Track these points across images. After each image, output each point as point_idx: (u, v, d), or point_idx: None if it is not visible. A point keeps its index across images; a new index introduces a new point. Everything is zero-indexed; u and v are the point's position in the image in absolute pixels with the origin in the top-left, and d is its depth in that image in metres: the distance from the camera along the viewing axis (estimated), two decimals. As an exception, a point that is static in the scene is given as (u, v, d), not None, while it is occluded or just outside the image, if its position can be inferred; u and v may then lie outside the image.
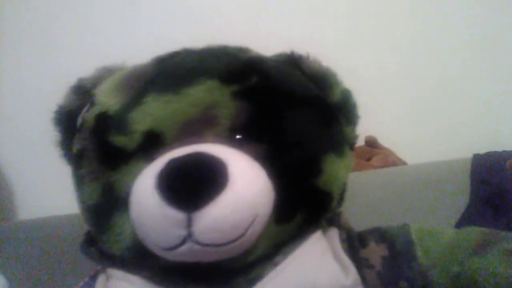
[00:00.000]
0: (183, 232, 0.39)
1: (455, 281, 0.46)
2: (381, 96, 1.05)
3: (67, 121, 0.53)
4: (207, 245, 0.40)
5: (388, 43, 1.11)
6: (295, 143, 0.47)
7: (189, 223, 0.39)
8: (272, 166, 0.45)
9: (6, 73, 1.03)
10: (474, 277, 0.45)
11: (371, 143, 1.00)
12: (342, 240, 0.50)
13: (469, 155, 0.87)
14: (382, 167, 0.95)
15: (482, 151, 0.87)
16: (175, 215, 0.39)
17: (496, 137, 1.05)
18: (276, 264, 0.45)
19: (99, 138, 0.48)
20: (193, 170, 0.40)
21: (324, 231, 0.50)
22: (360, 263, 0.48)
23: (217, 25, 1.04)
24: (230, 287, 0.44)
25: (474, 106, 1.10)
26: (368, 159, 0.98)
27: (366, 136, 0.98)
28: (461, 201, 0.81)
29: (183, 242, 0.40)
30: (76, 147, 0.50)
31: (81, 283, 0.52)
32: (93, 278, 0.51)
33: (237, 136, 0.46)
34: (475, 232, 0.49)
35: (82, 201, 0.49)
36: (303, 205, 0.47)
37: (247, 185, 0.41)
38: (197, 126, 0.45)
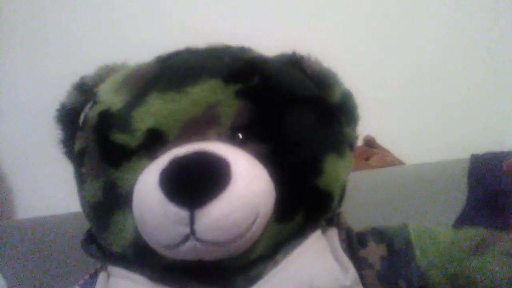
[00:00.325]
0: (185, 230, 0.40)
1: (453, 281, 0.47)
2: (380, 96, 1.05)
3: (70, 119, 0.53)
4: (209, 243, 0.40)
5: (386, 44, 1.11)
6: (296, 143, 0.47)
7: (191, 221, 0.39)
8: (273, 165, 0.45)
9: (3, 73, 1.03)
10: (471, 277, 0.46)
11: (370, 143, 1.00)
12: (342, 240, 0.50)
13: (467, 155, 0.87)
14: (380, 167, 0.96)
15: (480, 151, 0.88)
16: (178, 212, 0.39)
17: (494, 138, 1.06)
18: (276, 263, 0.46)
19: (101, 136, 0.48)
20: (196, 168, 0.40)
21: (324, 231, 0.51)
22: (359, 263, 0.49)
23: (218, 26, 1.03)
24: (231, 285, 0.45)
25: (472, 107, 1.10)
26: (367, 159, 0.99)
27: (364, 136, 0.98)
28: (459, 201, 0.82)
29: (185, 239, 0.40)
30: (78, 145, 0.51)
31: (81, 281, 0.53)
32: (94, 276, 0.52)
33: (239, 135, 0.46)
34: (472, 233, 0.49)
35: (84, 198, 0.49)
36: (303, 204, 0.47)
37: (249, 184, 0.41)
38: (199, 125, 0.46)
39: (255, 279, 0.45)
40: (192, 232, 0.40)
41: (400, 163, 0.99)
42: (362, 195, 0.81)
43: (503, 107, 1.10)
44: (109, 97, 0.49)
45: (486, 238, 0.48)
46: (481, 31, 1.12)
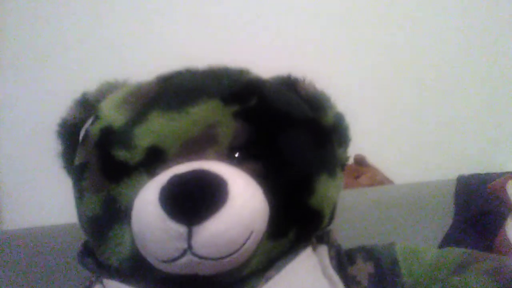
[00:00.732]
0: (183, 245, 0.41)
1: None
2: (371, 117, 1.08)
3: (70, 133, 0.55)
4: (205, 258, 0.42)
5: (377, 64, 1.13)
6: (291, 163, 0.49)
7: (189, 237, 0.41)
8: (268, 184, 0.47)
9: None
10: None
11: (360, 162, 1.02)
12: (331, 257, 0.52)
13: (454, 176, 0.89)
14: (370, 185, 0.98)
15: (467, 172, 0.90)
16: (176, 228, 0.41)
17: (481, 160, 1.08)
18: (268, 278, 0.47)
19: (102, 151, 0.49)
20: (195, 186, 0.42)
21: (314, 248, 0.52)
22: (348, 280, 0.51)
23: (217, 41, 1.06)
24: None
25: (461, 129, 1.13)
26: (357, 177, 1.00)
27: (355, 155, 1.00)
28: (445, 221, 0.84)
29: (182, 254, 0.42)
30: (78, 159, 0.52)
31: (76, 294, 0.53)
32: (88, 288, 0.52)
33: (236, 154, 0.48)
34: (456, 253, 0.51)
35: (82, 212, 0.50)
36: (296, 222, 0.49)
37: (245, 202, 0.43)
38: (198, 144, 0.47)
39: None
40: (189, 247, 0.41)
41: (389, 182, 1.01)
42: (351, 213, 0.82)
43: (491, 130, 1.13)
44: (111, 113, 0.51)
45: (469, 258, 0.49)
46: (470, 52, 1.15)
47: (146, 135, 0.48)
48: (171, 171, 0.44)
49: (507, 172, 0.82)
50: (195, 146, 0.47)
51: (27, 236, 0.80)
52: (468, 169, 0.91)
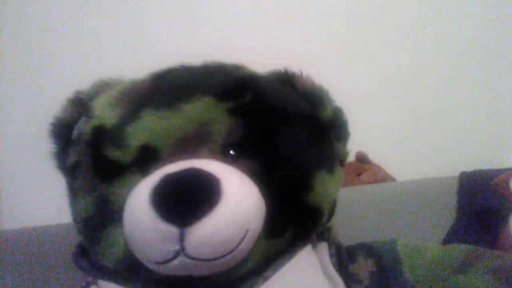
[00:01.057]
0: (175, 247, 0.40)
1: None
2: (372, 113, 1.07)
3: (63, 133, 0.54)
4: (199, 259, 0.41)
5: (379, 60, 1.13)
6: (287, 160, 0.48)
7: (181, 238, 0.40)
8: (264, 182, 0.46)
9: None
10: None
11: (362, 159, 1.01)
12: (331, 255, 0.51)
13: (457, 172, 0.88)
14: (372, 182, 0.97)
15: (470, 169, 0.89)
16: (169, 229, 0.39)
17: (483, 155, 1.07)
18: (266, 278, 0.46)
19: (94, 151, 0.48)
20: (187, 186, 0.40)
21: (314, 245, 0.51)
22: (349, 278, 0.50)
23: (213, 39, 1.05)
24: None
25: (463, 125, 1.12)
26: (358, 174, 0.99)
27: (356, 152, 0.99)
28: (448, 217, 0.83)
29: (175, 256, 0.41)
30: (71, 159, 0.51)
31: (72, 295, 0.53)
32: (84, 289, 0.52)
33: (231, 152, 0.47)
34: (460, 250, 0.50)
35: (76, 212, 0.49)
36: (293, 220, 0.48)
37: (239, 201, 0.42)
38: (192, 142, 0.46)
39: None
40: (182, 249, 0.40)
41: (392, 179, 1.00)
42: (353, 210, 0.81)
43: (493, 126, 1.12)
44: (103, 112, 0.50)
45: (473, 256, 0.48)
46: (472, 52, 1.14)
47: (138, 134, 0.47)
48: (163, 170, 0.43)
49: (510, 168, 0.81)
50: (188, 144, 0.46)
51: (26, 236, 0.80)
52: (471, 165, 0.90)
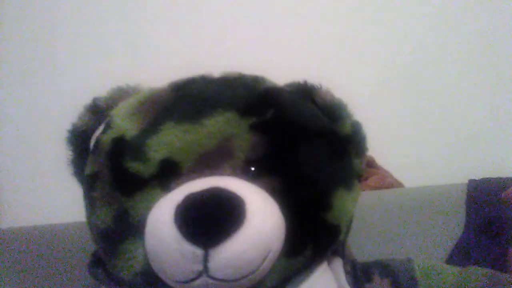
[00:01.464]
0: (198, 267, 0.40)
1: None
2: (380, 117, 1.07)
3: (80, 140, 0.53)
4: (221, 280, 0.41)
5: (387, 66, 1.13)
6: (308, 178, 0.48)
7: (205, 259, 0.40)
8: (284, 199, 0.46)
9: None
10: None
11: (369, 163, 1.01)
12: (347, 272, 0.51)
13: (465, 179, 0.88)
14: (379, 187, 0.96)
15: (478, 174, 0.88)
16: (193, 250, 0.39)
17: (492, 161, 1.07)
18: None
19: (114, 163, 0.48)
20: (211, 206, 0.40)
21: (329, 262, 0.51)
22: None
23: (224, 48, 1.04)
24: None
25: (472, 131, 1.12)
26: (365, 179, 0.99)
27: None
28: (456, 225, 0.82)
29: (197, 276, 0.40)
30: (90, 168, 0.50)
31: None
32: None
33: (252, 169, 0.46)
34: (479, 274, 0.50)
35: (93, 223, 0.49)
36: (312, 239, 0.47)
37: (263, 222, 0.42)
38: (213, 158, 0.46)
39: None
40: (205, 269, 0.40)
41: (399, 184, 0.99)
42: (360, 216, 0.81)
43: (501, 133, 1.12)
44: (123, 123, 0.49)
45: (492, 281, 0.48)
46: (479, 57, 1.14)
47: (160, 148, 0.46)
48: (186, 188, 0.43)
49: (520, 177, 0.81)
50: (210, 160, 0.46)
51: (26, 235, 0.80)
52: (479, 172, 0.90)
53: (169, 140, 0.46)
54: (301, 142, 0.49)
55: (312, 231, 0.47)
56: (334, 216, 0.48)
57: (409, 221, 0.83)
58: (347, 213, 0.50)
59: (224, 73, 0.53)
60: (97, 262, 0.51)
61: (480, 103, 1.13)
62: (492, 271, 0.50)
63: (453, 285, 0.49)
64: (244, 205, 0.41)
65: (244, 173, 0.46)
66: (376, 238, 0.79)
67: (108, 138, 0.49)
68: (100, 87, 0.56)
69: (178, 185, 0.45)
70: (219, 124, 0.47)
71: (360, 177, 0.55)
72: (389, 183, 0.98)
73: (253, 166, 0.46)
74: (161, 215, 0.42)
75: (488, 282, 0.49)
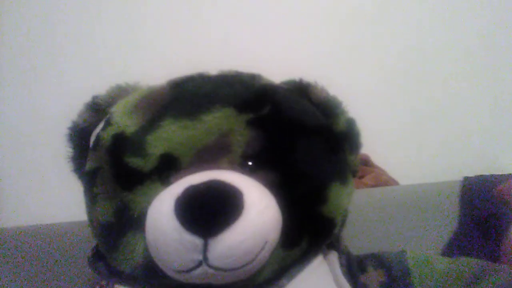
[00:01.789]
0: (198, 257, 0.41)
1: None
2: (375, 115, 1.07)
3: (81, 137, 0.54)
4: (220, 269, 0.42)
5: (382, 63, 1.13)
6: (304, 172, 0.49)
7: (204, 249, 0.41)
8: (281, 193, 0.47)
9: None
10: None
11: (364, 162, 1.02)
12: (342, 265, 0.52)
13: (460, 176, 0.89)
14: (374, 185, 0.97)
15: (473, 172, 0.89)
16: (193, 240, 0.40)
17: (486, 158, 1.09)
18: (281, 287, 0.47)
19: (115, 158, 0.49)
20: (210, 198, 0.41)
21: (325, 255, 0.53)
22: None
23: (224, 48, 1.05)
24: None
25: (466, 129, 1.13)
26: (361, 177, 1.00)
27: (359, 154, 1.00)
28: (450, 222, 0.83)
29: (197, 266, 0.42)
30: (90, 164, 0.51)
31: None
32: (100, 292, 0.52)
33: (249, 163, 0.48)
34: (469, 263, 0.51)
35: (94, 218, 0.50)
36: (308, 231, 0.49)
37: (260, 213, 0.43)
38: (212, 152, 0.47)
39: None
40: (205, 259, 0.41)
41: (394, 182, 1.00)
42: (355, 214, 0.81)
43: (496, 131, 1.13)
44: (123, 119, 0.50)
45: (482, 270, 0.50)
46: (475, 56, 1.15)
47: (159, 143, 0.47)
48: (185, 181, 0.44)
49: (513, 174, 0.82)
50: (208, 155, 0.47)
51: (26, 234, 0.80)
52: (473, 170, 0.90)
53: (169, 135, 0.47)
54: (297, 138, 0.50)
55: (308, 224, 0.49)
56: (329, 210, 0.49)
57: (404, 219, 0.84)
58: (342, 207, 0.51)
59: (221, 71, 0.55)
60: (98, 256, 0.52)
61: (474, 101, 1.13)
62: (483, 261, 0.52)
63: (444, 273, 0.51)
64: (242, 196, 0.42)
65: (241, 167, 0.47)
66: (371, 235, 0.80)
67: (108, 134, 0.51)
68: (99, 86, 0.57)
69: (177, 179, 0.46)
70: (217, 120, 0.48)
71: (354, 173, 0.57)
72: (384, 181, 0.99)
73: (250, 161, 0.48)
74: (162, 206, 0.43)
75: (478, 270, 0.50)
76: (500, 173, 0.88)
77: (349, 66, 1.12)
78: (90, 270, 0.54)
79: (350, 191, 0.53)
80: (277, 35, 1.11)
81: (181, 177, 0.46)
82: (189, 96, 0.50)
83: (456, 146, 1.12)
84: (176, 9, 1.08)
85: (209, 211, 0.41)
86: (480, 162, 1.05)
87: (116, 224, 0.48)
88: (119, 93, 0.55)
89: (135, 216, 0.47)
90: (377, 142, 1.01)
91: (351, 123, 0.55)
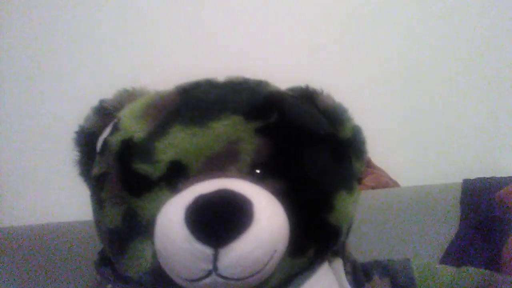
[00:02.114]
0: (208, 266, 0.41)
1: None
2: (375, 117, 1.07)
3: (88, 141, 0.54)
4: (229, 278, 0.42)
5: (383, 67, 1.14)
6: (312, 180, 0.49)
7: (214, 258, 0.41)
8: (288, 201, 0.47)
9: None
10: None
11: (365, 163, 1.02)
12: (347, 273, 0.52)
13: (460, 178, 0.90)
14: (375, 187, 0.98)
15: (473, 174, 0.90)
16: (203, 250, 0.41)
17: (486, 160, 1.09)
18: None
19: (123, 164, 0.49)
20: (221, 208, 0.41)
21: (330, 262, 0.53)
22: None
23: (225, 50, 1.05)
24: None
25: (466, 131, 1.13)
26: (361, 179, 1.00)
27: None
28: (451, 224, 0.84)
29: (207, 275, 0.42)
30: (97, 169, 0.51)
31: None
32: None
33: (257, 171, 0.48)
34: (474, 274, 0.52)
35: (101, 223, 0.50)
36: (315, 239, 0.49)
37: (269, 222, 0.43)
38: (220, 160, 0.47)
39: None
40: (215, 268, 0.41)
41: (395, 184, 1.01)
42: (356, 216, 0.82)
43: (496, 133, 1.14)
44: (131, 125, 0.50)
45: (487, 281, 0.50)
46: (475, 59, 1.16)
47: (168, 150, 0.47)
48: (195, 189, 0.44)
49: (513, 177, 0.82)
50: (217, 162, 0.47)
51: (26, 234, 0.81)
52: (473, 172, 0.91)
53: (177, 142, 0.47)
54: (304, 146, 0.50)
55: (315, 232, 0.49)
56: (335, 218, 0.50)
57: (405, 220, 0.84)
58: (348, 215, 0.52)
59: (228, 77, 0.55)
60: (104, 261, 0.53)
61: (474, 103, 1.14)
62: (487, 271, 0.52)
63: (449, 284, 0.51)
64: (252, 206, 0.42)
65: (249, 175, 0.47)
66: (371, 237, 0.81)
67: (116, 139, 0.50)
68: (106, 90, 0.57)
69: (186, 186, 0.46)
70: (225, 128, 0.48)
71: (360, 180, 0.57)
72: (385, 182, 1.00)
73: (258, 169, 0.48)
74: (172, 215, 0.43)
75: (482, 281, 0.50)
76: (500, 175, 0.89)
77: (349, 66, 1.12)
78: (94, 273, 0.54)
79: (355, 199, 0.53)
80: (277, 35, 1.11)
81: (189, 185, 0.46)
82: (197, 103, 0.50)
83: (456, 147, 1.12)
84: (180, 13, 1.08)
85: (220, 221, 0.41)
86: (480, 164, 1.06)
87: (124, 229, 0.48)
88: (126, 97, 0.55)
89: (143, 222, 0.47)
90: (378, 143, 1.00)
91: (356, 131, 0.56)
